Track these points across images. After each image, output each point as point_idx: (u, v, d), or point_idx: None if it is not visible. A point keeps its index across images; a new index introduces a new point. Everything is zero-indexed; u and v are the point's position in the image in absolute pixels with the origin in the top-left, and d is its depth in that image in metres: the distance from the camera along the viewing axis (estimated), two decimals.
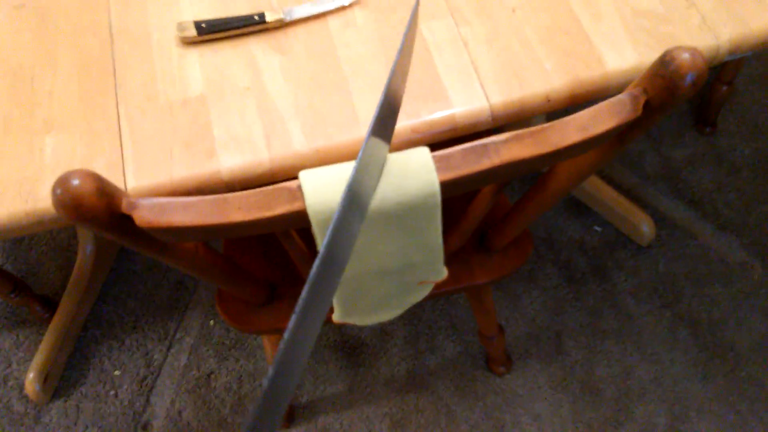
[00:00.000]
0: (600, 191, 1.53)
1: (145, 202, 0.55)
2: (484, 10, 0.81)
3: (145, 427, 1.37)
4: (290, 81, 0.77)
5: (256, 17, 0.79)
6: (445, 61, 0.78)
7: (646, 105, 0.59)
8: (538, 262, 1.52)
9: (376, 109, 0.54)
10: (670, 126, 1.68)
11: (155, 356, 1.44)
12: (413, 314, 1.47)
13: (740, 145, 1.64)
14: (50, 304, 1.45)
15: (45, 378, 1.38)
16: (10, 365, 1.45)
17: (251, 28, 0.80)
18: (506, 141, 0.57)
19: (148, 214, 0.55)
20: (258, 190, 0.56)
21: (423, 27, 0.80)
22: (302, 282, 0.95)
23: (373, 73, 0.77)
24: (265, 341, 1.24)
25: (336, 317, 0.84)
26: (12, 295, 1.35)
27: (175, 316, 1.49)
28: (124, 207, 0.55)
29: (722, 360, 1.39)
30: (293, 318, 0.41)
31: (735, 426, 1.33)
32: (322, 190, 0.56)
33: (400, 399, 1.38)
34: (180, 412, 1.38)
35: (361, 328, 1.45)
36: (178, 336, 1.46)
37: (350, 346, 1.44)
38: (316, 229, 0.58)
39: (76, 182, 0.51)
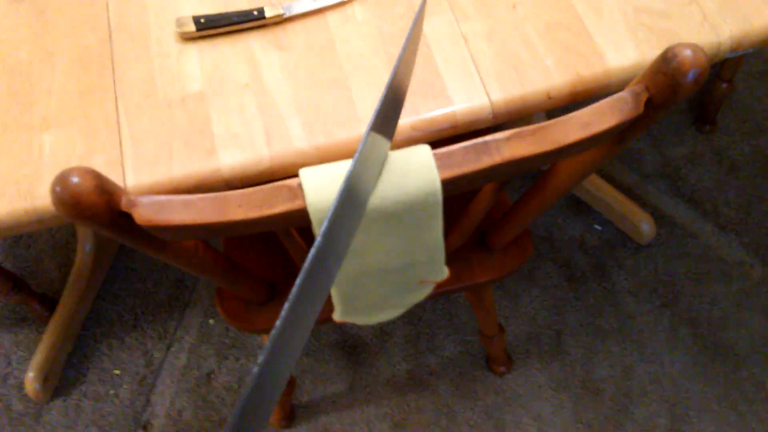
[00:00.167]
0: (600, 189, 1.53)
1: (145, 200, 0.55)
2: (484, 5, 0.81)
3: (145, 426, 1.37)
4: (290, 77, 0.77)
5: (255, 12, 0.79)
6: (446, 58, 0.77)
7: (648, 102, 0.58)
8: (538, 261, 1.52)
9: (378, 104, 0.53)
10: (669, 124, 1.68)
11: (155, 355, 1.44)
12: (413, 314, 1.46)
13: (740, 143, 1.64)
14: (50, 303, 1.45)
15: (45, 377, 1.37)
16: (9, 364, 1.44)
17: (250, 24, 0.80)
18: (508, 139, 0.57)
19: (147, 212, 0.55)
20: (258, 188, 0.56)
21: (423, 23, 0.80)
22: None
23: (372, 69, 0.77)
24: (265, 340, 1.24)
25: (337, 316, 0.83)
26: (11, 294, 1.35)
27: (174, 314, 1.48)
28: (124, 205, 0.54)
29: (722, 360, 1.39)
30: (286, 305, 0.40)
31: (735, 426, 1.32)
32: (322, 188, 0.55)
33: (400, 399, 1.38)
34: (180, 412, 1.38)
35: (361, 328, 1.45)
36: (177, 335, 1.46)
37: (350, 346, 1.44)
38: (316, 228, 0.57)
39: (75, 180, 0.51)
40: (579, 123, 0.58)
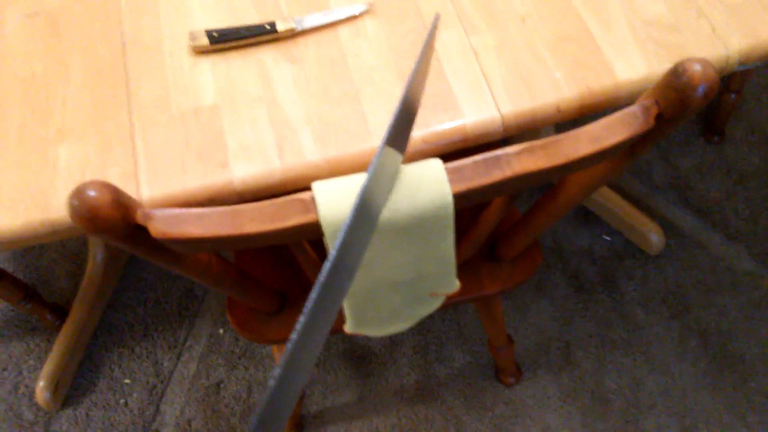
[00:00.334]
0: (608, 200, 1.53)
1: (160, 213, 0.56)
2: (494, 19, 0.82)
3: None
4: (301, 90, 0.78)
5: (268, 26, 0.80)
6: (456, 71, 0.78)
7: (658, 117, 0.59)
8: (547, 272, 1.52)
9: (392, 118, 0.54)
10: (678, 135, 1.68)
11: (165, 364, 1.45)
12: (422, 324, 1.47)
13: (748, 153, 1.64)
14: (61, 312, 1.46)
15: (55, 386, 1.38)
16: (20, 373, 1.45)
17: (263, 38, 0.80)
18: (518, 153, 0.58)
19: (162, 225, 0.55)
20: (271, 201, 0.56)
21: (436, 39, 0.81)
22: None
23: (383, 82, 0.78)
24: (275, 350, 1.24)
25: (348, 328, 0.84)
26: (23, 303, 1.36)
27: (184, 324, 1.49)
28: (139, 218, 0.55)
29: (732, 371, 1.39)
30: (301, 319, 0.41)
31: None
32: (335, 202, 0.56)
33: (409, 409, 1.38)
34: (189, 421, 1.38)
35: (370, 338, 1.45)
36: (187, 344, 1.47)
37: (359, 356, 1.44)
38: (328, 240, 0.58)
39: (92, 193, 0.52)
40: (589, 137, 0.59)
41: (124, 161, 0.74)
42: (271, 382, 0.39)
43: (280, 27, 0.80)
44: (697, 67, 0.55)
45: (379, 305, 0.79)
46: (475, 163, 0.58)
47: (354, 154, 0.73)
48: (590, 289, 1.49)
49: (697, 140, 1.67)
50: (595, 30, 0.80)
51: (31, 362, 1.46)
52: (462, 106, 0.76)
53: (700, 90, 0.55)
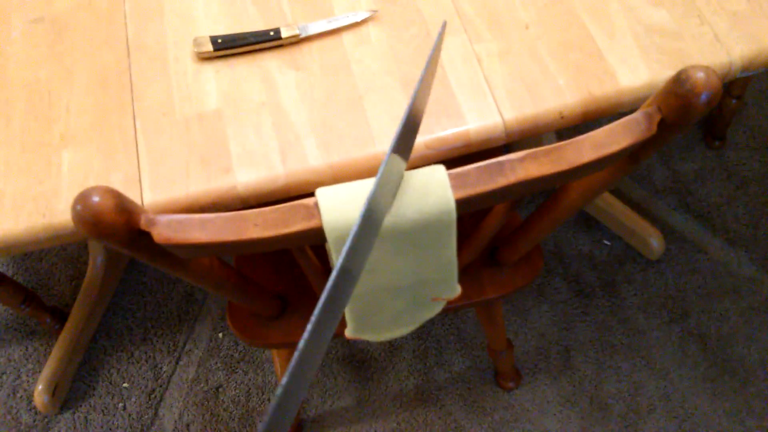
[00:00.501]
0: (609, 205, 1.53)
1: (164, 219, 0.56)
2: (497, 26, 0.82)
3: None
4: (305, 96, 0.78)
5: (272, 33, 0.80)
6: (459, 77, 0.78)
7: (661, 123, 0.59)
8: (547, 276, 1.52)
9: (399, 126, 0.54)
10: (679, 140, 1.68)
11: (164, 368, 1.44)
12: (422, 329, 1.47)
13: (749, 159, 1.64)
14: (60, 316, 1.46)
15: (54, 389, 1.38)
16: (19, 376, 1.45)
17: (267, 44, 0.81)
18: (522, 159, 0.58)
19: (166, 230, 0.55)
20: (275, 207, 0.57)
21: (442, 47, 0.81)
22: (313, 296, 0.95)
23: (387, 88, 0.78)
24: (274, 355, 1.24)
25: (349, 333, 0.84)
26: (22, 306, 1.35)
27: (184, 328, 1.49)
28: (143, 224, 0.55)
29: (732, 376, 1.39)
30: (308, 328, 0.41)
31: None
32: (339, 208, 0.56)
33: (408, 414, 1.38)
34: (188, 426, 1.38)
35: (369, 343, 1.45)
36: (186, 348, 1.47)
37: (359, 360, 1.44)
38: (331, 245, 0.58)
39: (96, 199, 0.52)
40: (592, 144, 0.59)
41: (128, 166, 0.74)
42: (279, 390, 0.39)
43: (285, 33, 0.80)
44: (700, 75, 0.55)
45: (380, 310, 0.79)
46: (479, 169, 0.58)
47: (357, 159, 0.74)
48: (590, 293, 1.49)
49: (698, 145, 1.67)
50: (598, 37, 0.80)
51: (30, 366, 1.46)
52: (465, 112, 0.76)
53: (703, 97, 0.55)
